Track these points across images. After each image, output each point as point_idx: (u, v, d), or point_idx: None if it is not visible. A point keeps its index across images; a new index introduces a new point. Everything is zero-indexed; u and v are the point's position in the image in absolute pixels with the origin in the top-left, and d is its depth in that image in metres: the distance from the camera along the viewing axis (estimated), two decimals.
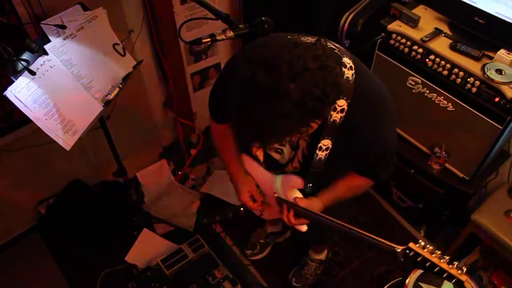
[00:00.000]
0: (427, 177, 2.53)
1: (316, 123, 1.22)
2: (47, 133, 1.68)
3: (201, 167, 3.32)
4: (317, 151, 1.48)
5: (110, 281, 2.65)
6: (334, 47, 1.33)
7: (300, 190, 1.70)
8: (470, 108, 2.16)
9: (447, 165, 2.45)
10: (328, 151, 1.48)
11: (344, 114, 1.36)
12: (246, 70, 1.11)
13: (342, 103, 1.34)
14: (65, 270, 2.71)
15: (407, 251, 1.26)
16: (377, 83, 1.47)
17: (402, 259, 1.30)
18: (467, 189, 2.41)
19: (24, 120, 2.19)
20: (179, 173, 3.26)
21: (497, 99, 2.04)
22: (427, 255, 1.22)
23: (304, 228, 1.75)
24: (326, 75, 1.11)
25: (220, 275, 2.54)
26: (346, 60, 1.34)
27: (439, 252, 1.21)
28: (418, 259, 1.23)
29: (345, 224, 1.48)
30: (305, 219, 1.68)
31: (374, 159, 1.52)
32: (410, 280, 2.07)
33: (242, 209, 2.14)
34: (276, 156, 1.70)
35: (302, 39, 1.23)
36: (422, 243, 1.24)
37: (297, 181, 1.68)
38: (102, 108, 1.94)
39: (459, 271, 1.17)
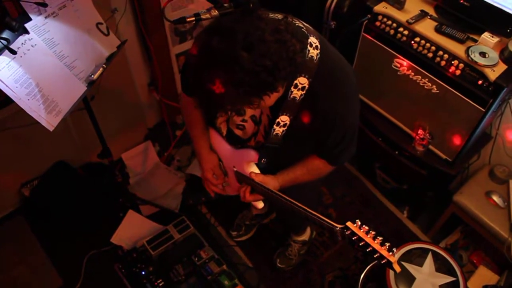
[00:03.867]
0: (410, 159, 2.56)
1: (268, 96, 1.22)
2: (30, 113, 1.66)
3: (186, 148, 3.31)
4: (275, 126, 1.50)
5: (96, 263, 2.65)
6: (302, 25, 1.35)
7: (256, 164, 1.72)
8: (454, 91, 2.18)
9: (430, 147, 2.48)
10: (286, 127, 1.49)
11: (304, 92, 1.38)
12: (204, 36, 1.15)
13: (303, 81, 1.36)
14: (50, 252, 2.70)
15: (345, 230, 1.29)
16: (342, 63, 1.48)
17: (340, 238, 1.34)
18: (450, 171, 2.45)
19: (5, 100, 2.16)
20: (165, 154, 3.25)
21: (480, 82, 2.06)
22: (362, 234, 1.25)
23: (260, 205, 1.77)
24: (281, 49, 1.13)
25: (205, 255, 2.56)
26: (312, 39, 1.36)
27: (373, 233, 1.24)
28: (354, 238, 1.26)
29: (292, 201, 1.50)
30: (259, 195, 1.70)
31: (334, 139, 1.52)
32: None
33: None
34: (238, 132, 1.71)
35: (270, 15, 1.25)
36: (359, 223, 1.27)
37: (253, 155, 1.68)
38: (86, 88, 1.91)
39: (390, 253, 1.20)
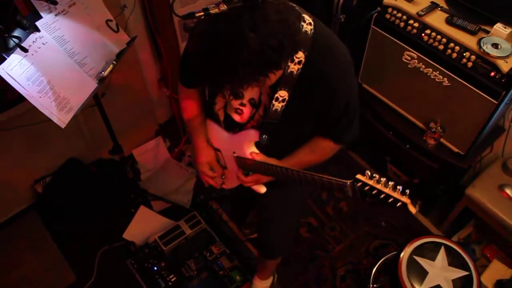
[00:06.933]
0: (422, 152, 2.54)
1: (274, 73, 1.27)
2: (42, 111, 1.67)
3: None
4: (274, 102, 1.50)
5: (108, 258, 2.68)
6: (294, 5, 1.39)
7: (257, 144, 1.70)
8: (465, 83, 2.16)
9: (442, 140, 2.46)
10: (285, 102, 1.50)
11: (301, 66, 1.39)
12: (208, 21, 1.19)
13: (300, 55, 1.38)
14: (63, 248, 2.73)
15: (355, 183, 1.31)
16: (335, 38, 1.49)
17: (351, 193, 1.35)
18: (462, 164, 2.43)
19: (18, 98, 2.18)
20: (175, 150, 3.26)
21: (492, 74, 2.03)
22: (373, 183, 1.27)
23: (262, 189, 1.77)
24: (285, 28, 1.18)
25: (217, 250, 2.57)
26: (306, 16, 1.39)
27: (384, 180, 1.26)
28: (366, 189, 1.28)
29: (296, 169, 1.53)
30: (261, 174, 1.70)
31: (336, 112, 1.51)
32: (404, 254, 2.10)
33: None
34: (235, 117, 1.69)
35: None
36: (369, 173, 1.29)
37: (254, 134, 1.67)
38: (97, 85, 1.92)
39: (403, 195, 1.22)
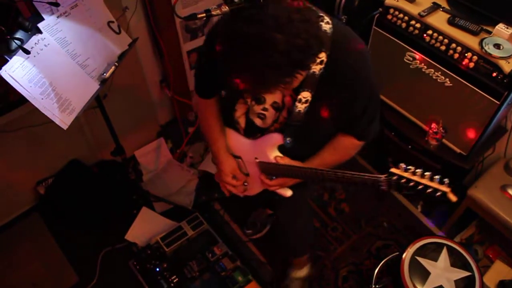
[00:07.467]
0: (424, 153, 2.54)
1: (300, 74, 1.26)
2: (44, 112, 1.67)
3: (199, 145, 3.32)
4: (297, 103, 1.49)
5: (111, 260, 2.68)
6: (310, 5, 1.37)
7: (280, 148, 1.69)
8: (467, 84, 2.16)
9: (444, 140, 2.46)
10: (308, 103, 1.48)
11: (323, 65, 1.38)
12: (232, 25, 1.16)
13: (321, 55, 1.37)
14: (66, 250, 2.73)
15: (390, 177, 1.30)
16: (353, 34, 1.48)
17: (386, 188, 1.34)
18: (464, 165, 2.43)
19: (20, 100, 2.18)
20: (177, 151, 3.26)
21: (494, 74, 2.03)
22: (409, 175, 1.26)
23: (288, 192, 1.75)
24: (308, 27, 1.17)
25: (219, 251, 2.57)
26: (323, 15, 1.39)
27: (419, 171, 1.25)
28: (402, 181, 1.27)
29: (326, 169, 1.51)
30: (287, 177, 1.69)
31: (359, 107, 1.50)
32: (406, 255, 2.10)
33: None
34: (257, 121, 1.69)
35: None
36: (403, 166, 1.28)
37: (277, 137, 1.66)
38: (99, 86, 1.92)
39: (442, 185, 1.22)
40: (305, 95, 1.46)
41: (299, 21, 1.15)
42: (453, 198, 1.22)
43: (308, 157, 1.70)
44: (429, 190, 1.23)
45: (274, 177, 1.74)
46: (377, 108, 1.58)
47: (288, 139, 1.62)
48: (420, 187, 1.24)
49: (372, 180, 1.38)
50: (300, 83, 1.41)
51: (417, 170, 1.26)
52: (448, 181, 1.23)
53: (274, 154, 1.68)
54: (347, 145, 1.67)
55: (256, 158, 1.77)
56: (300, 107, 1.49)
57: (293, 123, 1.55)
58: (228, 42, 1.18)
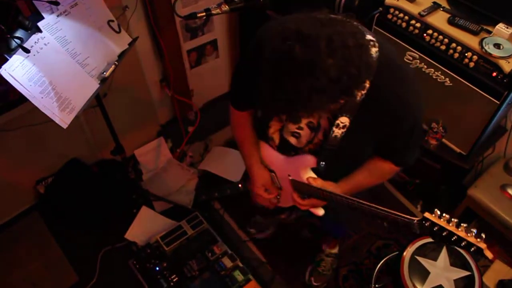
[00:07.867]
0: (424, 153, 2.54)
1: (345, 100, 1.20)
2: (44, 111, 1.67)
3: (199, 144, 3.32)
4: (334, 128, 1.44)
5: (110, 259, 2.68)
6: (357, 23, 1.28)
7: (314, 169, 1.65)
8: (467, 83, 2.15)
9: (444, 140, 2.46)
10: (345, 129, 1.44)
11: (365, 91, 1.31)
12: (280, 44, 1.09)
13: (366, 81, 1.30)
14: (65, 249, 2.73)
15: (423, 222, 1.25)
16: (398, 57, 1.43)
17: (418, 230, 1.28)
18: (464, 164, 2.42)
19: (19, 99, 2.18)
20: (177, 150, 3.26)
21: (494, 74, 2.03)
22: (444, 224, 1.20)
23: (320, 212, 1.71)
24: (361, 53, 1.10)
25: (219, 251, 2.57)
26: (369, 36, 1.31)
27: (455, 220, 1.20)
28: (435, 229, 1.22)
29: (360, 200, 1.45)
30: (318, 199, 1.64)
31: (401, 133, 1.45)
32: (406, 254, 2.10)
33: (240, 185, 2.13)
34: (292, 140, 1.65)
35: (331, 15, 1.18)
36: (438, 212, 1.22)
37: (311, 159, 1.63)
38: (98, 85, 1.92)
39: (478, 239, 1.16)
40: (343, 120, 1.42)
41: (354, 47, 1.08)
42: (490, 255, 1.16)
43: (341, 178, 1.66)
44: (463, 243, 1.18)
45: (306, 197, 1.70)
46: (420, 134, 1.54)
47: (322, 163, 1.59)
48: (454, 238, 1.19)
49: (404, 221, 1.32)
50: (339, 107, 1.35)
51: (452, 219, 1.20)
52: (484, 236, 1.16)
53: (307, 175, 1.64)
54: (384, 169, 1.63)
55: (289, 176, 1.72)
56: (337, 132, 1.45)
57: (328, 147, 1.52)
58: (274, 60, 1.12)
